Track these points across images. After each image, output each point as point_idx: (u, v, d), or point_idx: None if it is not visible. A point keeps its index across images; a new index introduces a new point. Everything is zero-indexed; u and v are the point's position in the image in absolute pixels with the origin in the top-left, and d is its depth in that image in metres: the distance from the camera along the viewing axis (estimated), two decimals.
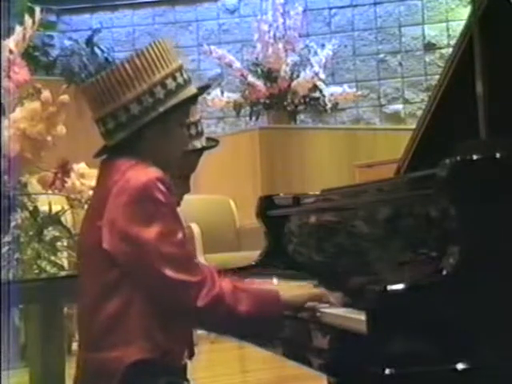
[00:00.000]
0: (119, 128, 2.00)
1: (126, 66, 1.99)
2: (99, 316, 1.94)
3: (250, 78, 7.57)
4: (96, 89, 2.01)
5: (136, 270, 1.91)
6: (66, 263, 2.71)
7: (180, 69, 2.06)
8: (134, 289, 1.92)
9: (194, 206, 5.84)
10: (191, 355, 2.15)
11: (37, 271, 2.58)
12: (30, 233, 2.61)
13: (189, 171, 2.43)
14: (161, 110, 1.99)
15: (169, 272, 1.87)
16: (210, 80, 8.49)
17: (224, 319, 1.92)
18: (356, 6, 8.90)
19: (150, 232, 1.88)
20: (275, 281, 2.16)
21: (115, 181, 1.95)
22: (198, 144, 2.42)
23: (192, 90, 2.08)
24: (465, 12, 7.69)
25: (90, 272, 2.00)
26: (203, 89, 2.21)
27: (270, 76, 7.58)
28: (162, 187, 1.91)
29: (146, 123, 1.99)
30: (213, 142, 2.51)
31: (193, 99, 2.12)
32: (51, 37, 8.69)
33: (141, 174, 1.93)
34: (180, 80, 2.04)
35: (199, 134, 2.46)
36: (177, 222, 1.95)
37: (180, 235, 1.92)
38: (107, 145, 2.05)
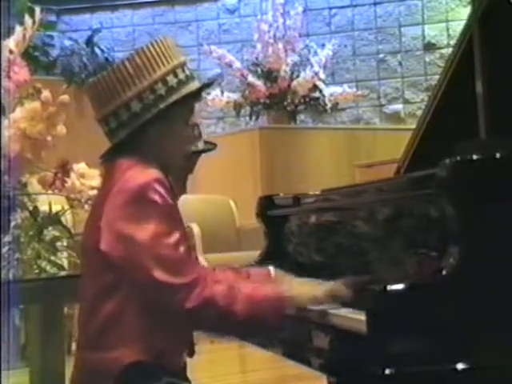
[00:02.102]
0: (121, 127, 1.99)
1: (127, 63, 1.99)
2: (96, 316, 1.94)
3: (250, 78, 7.57)
4: (97, 88, 2.01)
5: (129, 270, 1.90)
6: (65, 263, 2.71)
7: (182, 65, 2.05)
8: (130, 290, 1.91)
9: (194, 205, 5.84)
10: (192, 354, 2.14)
11: (37, 271, 2.58)
12: (30, 233, 2.61)
13: (186, 173, 2.44)
14: (161, 106, 1.98)
15: (157, 273, 1.85)
16: (209, 80, 8.49)
17: (217, 321, 1.89)
18: (356, 6, 8.90)
19: (143, 232, 1.87)
20: (272, 270, 2.14)
21: (115, 181, 1.95)
22: (196, 146, 2.42)
23: (194, 85, 2.07)
24: (465, 12, 7.69)
25: (90, 272, 2.00)
26: (205, 85, 2.20)
27: (270, 76, 7.57)
28: (159, 188, 1.90)
29: (148, 120, 1.98)
30: (211, 145, 2.51)
31: (195, 95, 2.10)
32: (51, 37, 8.69)
33: (139, 174, 1.92)
34: (181, 76, 2.04)
35: (198, 137, 2.46)
36: (173, 223, 1.92)
37: (174, 237, 1.89)
38: (112, 144, 2.05)
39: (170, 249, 1.88)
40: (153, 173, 1.93)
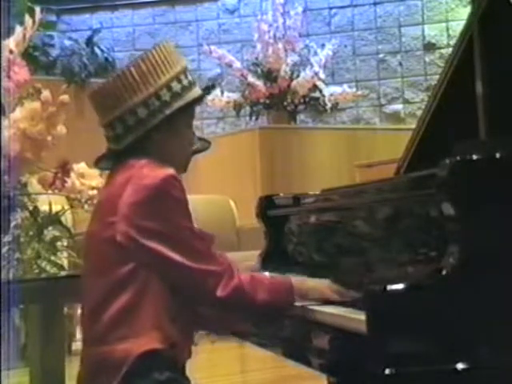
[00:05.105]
0: (128, 132, 2.03)
1: (132, 70, 2.04)
2: (110, 310, 1.97)
3: (250, 78, 7.56)
4: (103, 94, 2.06)
5: (156, 263, 1.95)
6: (65, 263, 2.71)
7: (184, 71, 2.11)
8: (148, 281, 1.95)
9: (194, 206, 5.83)
10: (189, 354, 2.16)
11: (37, 271, 2.58)
12: (30, 233, 2.61)
13: (180, 172, 2.47)
14: (167, 112, 2.04)
15: (190, 263, 1.94)
16: (209, 80, 8.50)
17: (242, 308, 2.00)
18: (356, 5, 8.90)
19: (171, 226, 1.96)
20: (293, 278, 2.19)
21: (128, 178, 2.00)
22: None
23: (197, 91, 2.13)
24: (465, 12, 7.69)
25: (100, 268, 2.02)
26: (208, 89, 2.26)
27: (270, 76, 7.57)
28: (177, 184, 1.98)
29: (154, 126, 2.03)
30: (205, 144, 2.54)
31: (198, 101, 2.16)
32: (51, 37, 8.69)
33: (156, 171, 1.99)
34: (185, 82, 2.09)
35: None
36: (191, 217, 2.03)
37: (197, 229, 2.01)
38: (115, 149, 2.07)
39: (197, 239, 2.00)
40: (169, 169, 2.00)
